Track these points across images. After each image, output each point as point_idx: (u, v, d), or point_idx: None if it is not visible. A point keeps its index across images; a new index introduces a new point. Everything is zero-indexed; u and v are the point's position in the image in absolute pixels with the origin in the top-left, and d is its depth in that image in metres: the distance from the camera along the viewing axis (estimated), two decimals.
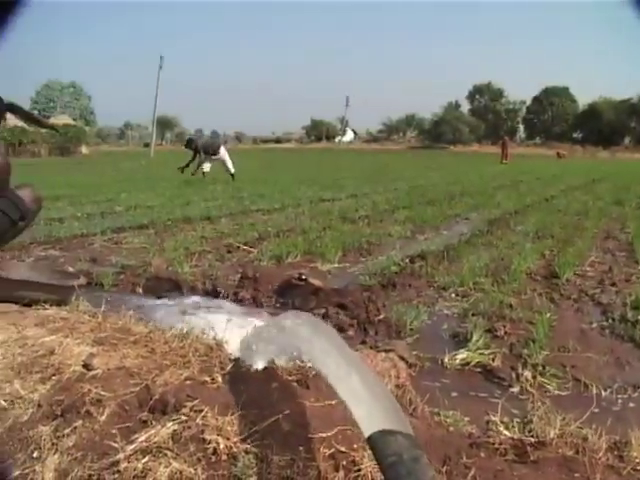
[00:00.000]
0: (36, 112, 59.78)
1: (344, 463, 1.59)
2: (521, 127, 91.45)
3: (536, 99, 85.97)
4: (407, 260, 5.01)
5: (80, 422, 1.83)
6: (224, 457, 1.62)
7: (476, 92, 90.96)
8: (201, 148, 15.16)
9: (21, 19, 1.52)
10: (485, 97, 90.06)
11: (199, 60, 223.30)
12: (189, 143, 15.62)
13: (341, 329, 3.14)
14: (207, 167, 15.20)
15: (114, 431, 1.77)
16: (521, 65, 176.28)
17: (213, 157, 15.14)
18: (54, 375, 2.12)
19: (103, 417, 1.83)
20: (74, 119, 58.47)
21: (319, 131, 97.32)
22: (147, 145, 56.53)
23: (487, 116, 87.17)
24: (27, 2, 1.51)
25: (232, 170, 15.23)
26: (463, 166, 28.29)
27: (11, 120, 4.05)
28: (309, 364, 2.05)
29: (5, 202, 3.55)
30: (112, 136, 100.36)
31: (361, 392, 1.36)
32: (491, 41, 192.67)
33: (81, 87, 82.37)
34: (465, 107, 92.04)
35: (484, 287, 4.16)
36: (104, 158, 39.20)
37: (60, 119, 49.15)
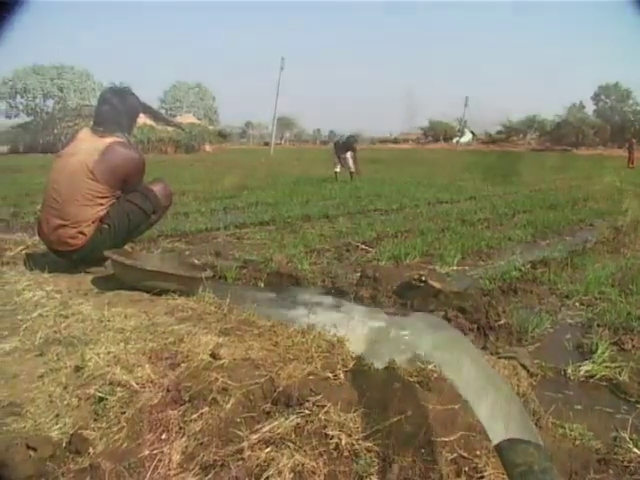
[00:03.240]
0: (164, 112, 62.54)
1: (466, 469, 1.57)
2: None
3: None
4: (528, 265, 4.88)
5: (207, 409, 1.91)
6: (346, 453, 1.64)
7: (602, 93, 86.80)
8: (338, 148, 15.30)
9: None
10: (611, 98, 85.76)
11: (318, 61, 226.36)
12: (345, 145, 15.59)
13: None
14: (338, 167, 15.24)
15: (239, 420, 1.84)
16: None
17: (342, 156, 15.19)
18: (183, 362, 2.22)
19: (228, 405, 1.90)
20: (199, 118, 60.70)
21: (437, 132, 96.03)
22: (267, 144, 57.86)
23: (613, 118, 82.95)
24: (25, 2, 1.56)
25: (353, 168, 15.25)
26: (587, 169, 27.04)
27: (140, 119, 4.26)
28: (431, 366, 2.04)
29: (139, 196, 3.75)
30: (234, 135, 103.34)
31: (491, 399, 1.34)
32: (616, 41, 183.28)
33: (206, 88, 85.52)
34: (590, 108, 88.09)
35: (610, 297, 4.00)
36: (226, 156, 40.43)
37: (186, 118, 51.11)
